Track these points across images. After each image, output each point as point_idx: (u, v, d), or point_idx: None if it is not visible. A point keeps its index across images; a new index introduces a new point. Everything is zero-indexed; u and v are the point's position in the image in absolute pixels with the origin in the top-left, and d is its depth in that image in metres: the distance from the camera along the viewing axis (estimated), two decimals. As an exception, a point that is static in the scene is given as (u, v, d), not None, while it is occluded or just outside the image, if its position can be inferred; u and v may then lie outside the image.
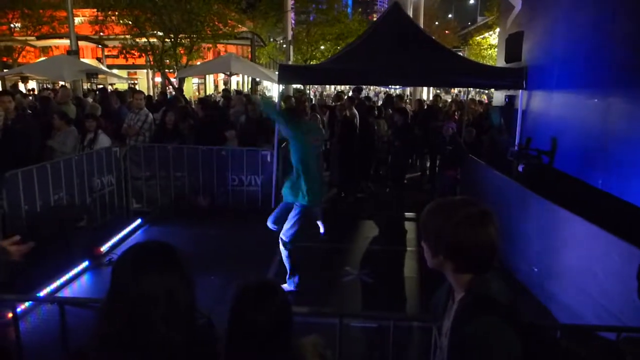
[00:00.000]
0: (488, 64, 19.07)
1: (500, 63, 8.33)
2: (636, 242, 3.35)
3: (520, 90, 6.98)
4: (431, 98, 19.58)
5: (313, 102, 15.87)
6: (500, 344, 1.32)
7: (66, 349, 2.49)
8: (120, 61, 18.25)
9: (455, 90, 30.55)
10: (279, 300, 1.49)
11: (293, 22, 23.69)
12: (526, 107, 7.03)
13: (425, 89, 22.11)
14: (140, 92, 8.95)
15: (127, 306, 1.18)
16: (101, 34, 17.38)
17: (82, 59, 16.63)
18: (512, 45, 7.64)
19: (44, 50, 21.57)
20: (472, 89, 18.39)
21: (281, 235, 4.80)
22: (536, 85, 6.74)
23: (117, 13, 15.71)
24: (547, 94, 6.51)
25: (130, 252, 1.32)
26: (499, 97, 8.77)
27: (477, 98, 21.83)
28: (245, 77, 27.38)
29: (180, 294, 1.24)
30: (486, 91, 25.38)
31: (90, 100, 11.71)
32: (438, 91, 20.86)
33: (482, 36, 33.96)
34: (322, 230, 5.56)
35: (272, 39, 25.67)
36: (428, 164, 10.16)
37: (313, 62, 20.80)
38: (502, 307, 1.39)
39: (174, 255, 1.30)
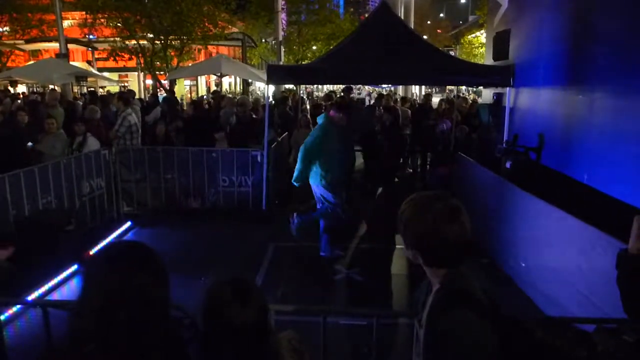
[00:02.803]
0: (479, 62, 19.17)
1: (488, 61, 8.38)
2: (619, 236, 3.39)
3: (508, 88, 7.03)
4: (422, 97, 19.66)
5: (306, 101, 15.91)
6: (471, 337, 1.34)
7: (49, 352, 2.48)
8: (111, 64, 18.21)
9: (447, 90, 30.72)
10: (255, 296, 1.50)
11: (284, 22, 23.72)
12: (514, 105, 7.08)
13: (416, 87, 22.19)
14: (119, 93, 8.88)
15: (97, 304, 1.19)
16: (90, 36, 17.30)
17: (72, 62, 16.53)
18: (499, 43, 7.69)
19: (33, 53, 21.43)
20: (464, 87, 18.53)
21: None
22: (523, 82, 6.80)
23: (106, 15, 15.66)
24: (534, 91, 6.56)
25: (103, 252, 1.34)
26: (487, 94, 8.83)
27: (468, 96, 21.95)
28: (237, 78, 27.36)
29: (152, 294, 1.24)
30: (474, 89, 25.46)
31: (80, 103, 11.67)
32: (429, 90, 20.94)
33: (473, 35, 34.12)
34: None
35: (263, 40, 25.65)
36: (419, 162, 10.22)
37: (305, 62, 20.82)
38: (476, 300, 1.41)
39: (147, 255, 1.31)
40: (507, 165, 5.91)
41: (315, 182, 5.57)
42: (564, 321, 2.36)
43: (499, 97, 7.90)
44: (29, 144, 6.72)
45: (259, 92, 26.53)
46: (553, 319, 2.31)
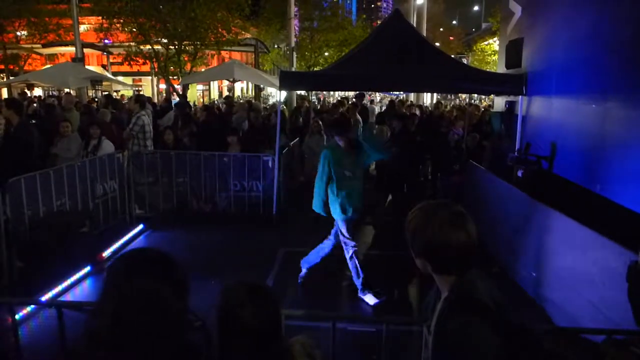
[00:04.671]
0: (491, 70, 19.10)
1: (501, 69, 8.35)
2: (632, 247, 3.36)
3: (520, 96, 7.00)
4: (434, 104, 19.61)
5: (319, 107, 15.95)
6: (478, 344, 1.35)
7: (63, 352, 2.53)
8: (125, 68, 18.45)
9: (460, 97, 30.64)
10: (270, 300, 1.53)
11: (297, 28, 23.82)
12: (526, 113, 7.05)
13: (428, 94, 22.16)
14: (133, 96, 9.04)
15: (113, 307, 1.21)
16: (106, 41, 17.55)
17: (87, 66, 16.79)
18: (512, 52, 7.66)
19: (50, 57, 21.82)
20: (476, 95, 18.50)
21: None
22: (536, 91, 6.76)
23: (122, 21, 15.90)
24: (547, 99, 6.53)
25: (126, 257, 1.36)
26: (499, 102, 8.80)
27: (482, 104, 21.87)
28: (249, 83, 27.54)
29: (169, 303, 1.25)
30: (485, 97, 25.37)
31: (96, 107, 11.86)
32: (438, 97, 20.87)
33: (486, 42, 34.01)
34: None
35: (275, 46, 25.81)
36: (430, 170, 10.17)
37: (317, 69, 20.89)
38: (484, 307, 1.42)
39: (168, 264, 1.32)
40: (519, 173, 5.88)
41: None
42: (573, 332, 2.35)
43: (511, 106, 7.86)
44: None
45: (270, 99, 26.72)
46: (563, 329, 2.30)
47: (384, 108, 16.79)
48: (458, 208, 1.52)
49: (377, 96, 31.57)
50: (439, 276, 1.55)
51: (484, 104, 23.03)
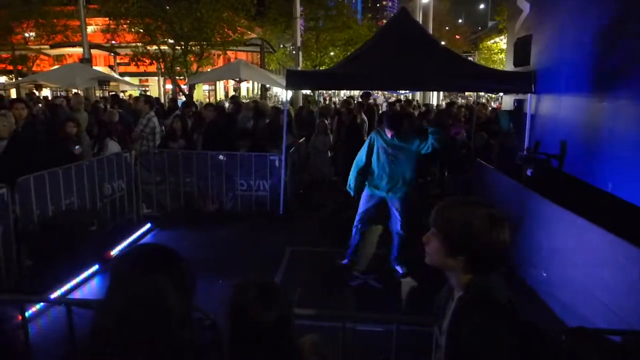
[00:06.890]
0: (499, 68, 18.96)
1: (509, 67, 8.30)
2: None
3: (529, 94, 6.94)
4: (441, 103, 19.51)
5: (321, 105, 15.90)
6: (494, 345, 1.33)
7: (72, 349, 2.53)
8: (132, 68, 18.56)
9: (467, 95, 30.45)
10: (282, 299, 1.51)
11: (302, 28, 23.82)
12: (535, 111, 6.99)
13: (434, 93, 22.05)
14: (141, 96, 9.05)
15: (118, 305, 1.20)
16: (113, 42, 17.65)
17: (94, 67, 16.87)
18: (520, 49, 7.61)
19: (58, 58, 21.96)
20: (482, 93, 18.37)
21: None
22: (545, 89, 6.70)
23: (128, 21, 15.98)
24: (556, 97, 6.47)
25: (130, 253, 1.34)
26: (507, 101, 8.74)
27: (490, 102, 21.71)
28: (255, 83, 27.58)
29: (173, 300, 1.24)
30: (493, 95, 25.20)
31: (102, 106, 11.89)
32: (445, 95, 20.72)
33: (492, 40, 33.84)
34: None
35: (281, 45, 25.83)
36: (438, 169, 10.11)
37: (322, 68, 20.87)
38: (499, 307, 1.39)
39: (172, 261, 1.30)
40: (528, 172, 5.82)
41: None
42: (593, 332, 2.32)
43: (519, 104, 7.80)
44: (77, 147, 6.78)
45: (276, 98, 26.71)
46: (583, 330, 2.26)
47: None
48: (501, 211, 1.49)
49: (380, 95, 31.35)
50: (463, 275, 1.50)
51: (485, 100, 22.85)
